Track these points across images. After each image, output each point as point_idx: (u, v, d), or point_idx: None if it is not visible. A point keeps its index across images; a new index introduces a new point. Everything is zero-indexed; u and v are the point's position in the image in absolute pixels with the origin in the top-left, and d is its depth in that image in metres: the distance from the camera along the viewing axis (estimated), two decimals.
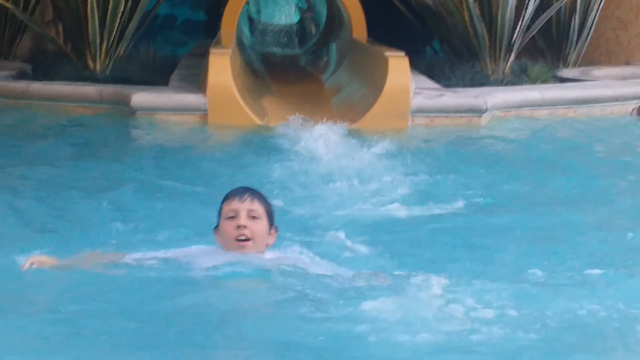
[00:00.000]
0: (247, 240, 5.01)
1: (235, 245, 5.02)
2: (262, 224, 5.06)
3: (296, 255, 5.26)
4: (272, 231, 5.13)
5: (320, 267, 5.16)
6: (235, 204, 5.04)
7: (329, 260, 5.34)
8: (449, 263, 5.57)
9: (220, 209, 5.10)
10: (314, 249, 5.52)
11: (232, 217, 5.01)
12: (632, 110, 10.62)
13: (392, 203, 7.01)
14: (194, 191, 7.22)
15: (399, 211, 6.85)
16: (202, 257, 5.05)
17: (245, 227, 4.99)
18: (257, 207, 5.06)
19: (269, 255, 5.11)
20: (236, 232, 4.99)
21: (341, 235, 5.97)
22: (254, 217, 5.03)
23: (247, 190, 5.13)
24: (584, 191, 7.51)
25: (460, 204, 7.02)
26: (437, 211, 6.84)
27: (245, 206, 5.02)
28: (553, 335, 4.23)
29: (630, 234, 6.18)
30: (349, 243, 5.87)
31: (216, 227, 5.14)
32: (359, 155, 8.28)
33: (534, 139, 9.57)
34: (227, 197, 5.12)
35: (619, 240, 6.10)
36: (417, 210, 6.84)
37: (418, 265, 5.41)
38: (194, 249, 5.18)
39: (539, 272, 5.28)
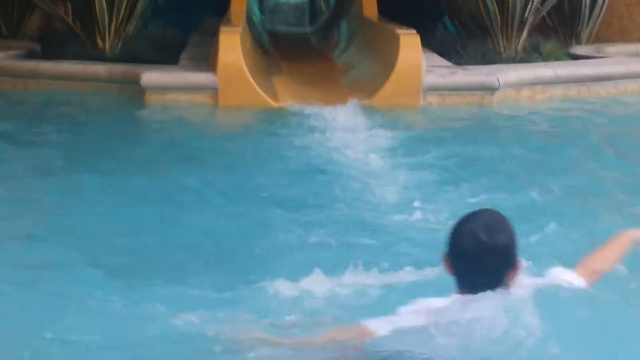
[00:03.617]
0: None
1: None
2: None
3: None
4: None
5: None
6: None
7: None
8: None
9: None
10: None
11: None
12: None
13: (404, 188, 6.84)
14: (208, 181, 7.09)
15: (411, 196, 6.71)
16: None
17: None
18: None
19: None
20: None
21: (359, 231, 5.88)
22: None
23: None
24: (593, 172, 7.40)
25: (473, 189, 6.83)
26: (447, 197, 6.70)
27: None
28: None
29: None
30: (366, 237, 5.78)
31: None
32: (370, 136, 8.21)
33: (547, 118, 9.49)
34: None
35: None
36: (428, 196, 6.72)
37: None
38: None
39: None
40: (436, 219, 6.02)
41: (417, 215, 6.13)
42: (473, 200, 6.31)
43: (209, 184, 6.80)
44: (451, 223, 3.77)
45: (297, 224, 5.89)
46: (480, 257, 3.71)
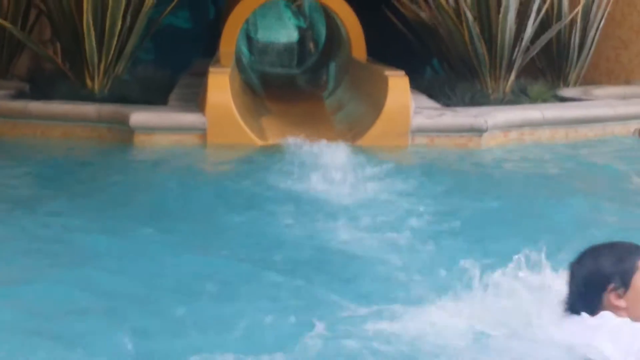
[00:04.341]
0: None
1: None
2: None
3: None
4: None
5: None
6: None
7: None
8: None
9: (631, 264, 4.03)
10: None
11: None
12: (635, 130, 10.57)
13: (389, 227, 6.84)
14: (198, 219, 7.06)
15: (397, 234, 6.72)
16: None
17: None
18: None
19: None
20: None
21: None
22: None
23: None
24: (582, 217, 7.36)
25: (458, 228, 6.85)
26: (434, 233, 6.70)
27: None
28: None
29: None
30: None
31: (617, 289, 4.00)
32: (359, 176, 8.22)
33: (534, 160, 9.52)
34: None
35: None
36: (415, 233, 6.71)
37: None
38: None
39: None
40: (419, 260, 6.02)
41: (399, 254, 6.14)
42: (461, 245, 6.31)
43: (191, 229, 6.76)
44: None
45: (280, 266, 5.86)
46: None
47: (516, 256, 4.60)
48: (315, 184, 7.95)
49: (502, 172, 8.99)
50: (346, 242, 6.49)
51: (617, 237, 5.42)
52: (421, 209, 7.22)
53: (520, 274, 4.56)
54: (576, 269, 4.09)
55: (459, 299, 4.73)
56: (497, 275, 4.61)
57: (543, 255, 4.63)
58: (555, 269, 4.60)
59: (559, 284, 4.33)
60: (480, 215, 7.31)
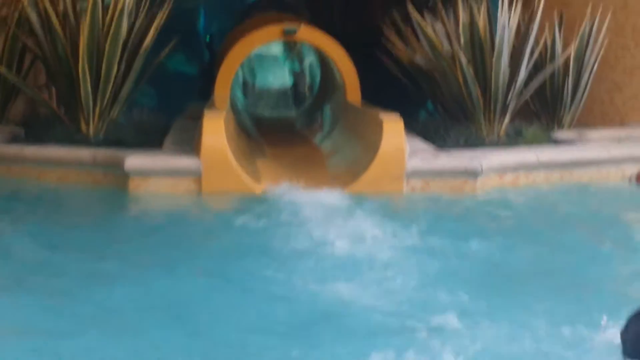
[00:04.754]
0: None
1: None
2: None
3: None
4: None
5: None
6: None
7: None
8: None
9: None
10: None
11: None
12: (630, 177, 10.57)
13: (385, 277, 6.77)
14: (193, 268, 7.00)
15: (390, 284, 6.66)
16: None
17: None
18: None
19: None
20: None
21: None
22: None
23: None
24: (582, 261, 7.33)
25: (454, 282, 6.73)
26: (430, 284, 6.62)
27: None
28: None
29: None
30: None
31: None
32: (355, 224, 8.19)
33: (529, 204, 9.51)
34: None
35: None
36: (409, 282, 6.67)
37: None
38: None
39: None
40: (413, 307, 5.97)
41: (394, 301, 6.11)
42: (460, 295, 6.28)
43: (189, 280, 6.72)
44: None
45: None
46: None
47: None
48: (311, 233, 7.89)
49: (501, 217, 8.95)
50: (347, 296, 6.38)
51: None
52: (424, 258, 7.18)
53: None
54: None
55: None
56: None
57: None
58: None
59: None
60: (483, 264, 7.24)
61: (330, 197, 9.09)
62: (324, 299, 6.32)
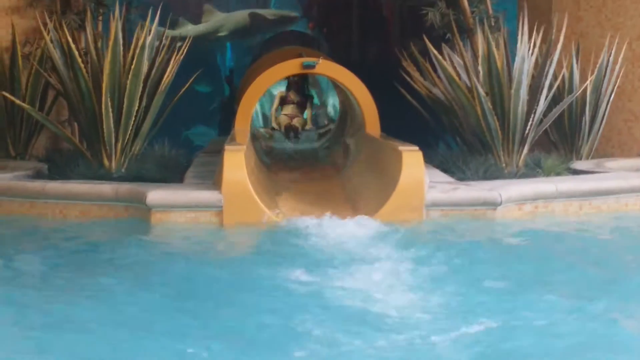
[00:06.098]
0: None
1: None
2: None
3: None
4: None
5: None
6: None
7: None
8: None
9: None
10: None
11: None
12: None
13: (406, 310, 6.81)
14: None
15: (411, 314, 6.72)
16: None
17: None
18: None
19: None
20: None
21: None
22: None
23: None
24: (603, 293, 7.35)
25: (474, 313, 6.76)
26: (450, 319, 6.66)
27: None
28: None
29: None
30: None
31: None
32: (375, 253, 8.24)
33: (549, 234, 9.51)
34: None
35: None
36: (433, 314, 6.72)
37: None
38: None
39: None
40: (437, 336, 6.04)
41: (419, 332, 6.16)
42: (479, 322, 6.33)
43: (210, 316, 6.76)
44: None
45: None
46: None
47: None
48: (332, 266, 7.93)
49: (522, 248, 8.94)
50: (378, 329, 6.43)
51: None
52: (451, 291, 7.21)
53: None
54: None
55: None
56: None
57: None
58: None
59: None
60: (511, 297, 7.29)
61: (350, 227, 9.14)
62: (347, 332, 6.38)
